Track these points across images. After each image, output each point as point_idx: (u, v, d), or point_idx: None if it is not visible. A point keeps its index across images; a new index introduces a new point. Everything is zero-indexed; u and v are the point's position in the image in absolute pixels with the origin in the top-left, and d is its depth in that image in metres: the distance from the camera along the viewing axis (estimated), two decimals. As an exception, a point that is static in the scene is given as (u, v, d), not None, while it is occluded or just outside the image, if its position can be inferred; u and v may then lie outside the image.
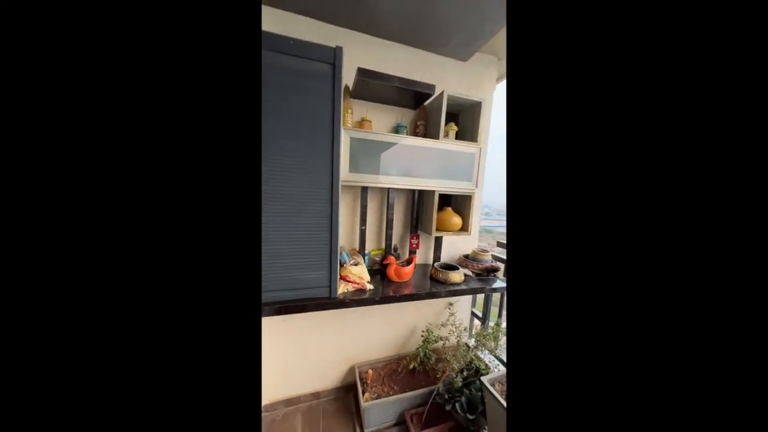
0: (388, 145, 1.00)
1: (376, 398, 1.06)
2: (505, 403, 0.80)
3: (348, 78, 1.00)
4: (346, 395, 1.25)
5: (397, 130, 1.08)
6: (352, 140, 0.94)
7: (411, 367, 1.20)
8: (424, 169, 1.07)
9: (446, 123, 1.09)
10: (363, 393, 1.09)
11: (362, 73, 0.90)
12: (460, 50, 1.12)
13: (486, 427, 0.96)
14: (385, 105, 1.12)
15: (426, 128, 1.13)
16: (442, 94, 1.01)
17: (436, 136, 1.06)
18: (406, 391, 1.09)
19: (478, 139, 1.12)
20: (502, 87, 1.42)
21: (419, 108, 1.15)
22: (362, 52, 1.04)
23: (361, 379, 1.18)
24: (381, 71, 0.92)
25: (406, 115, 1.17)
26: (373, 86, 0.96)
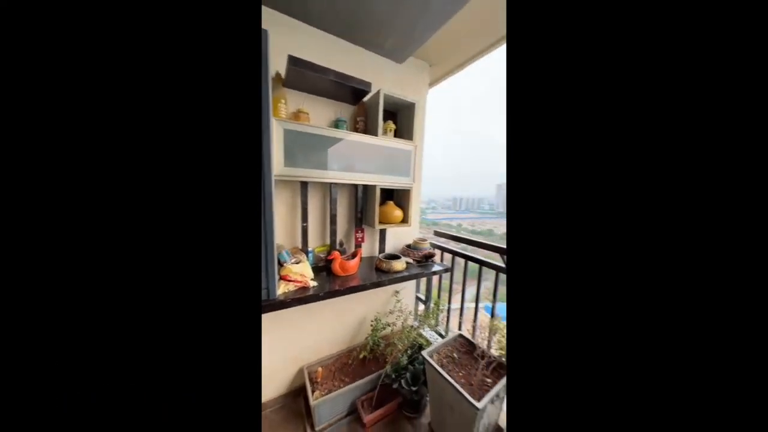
0: (328, 139, 0.99)
1: (327, 394, 1.06)
2: (440, 369, 0.92)
3: (280, 66, 0.94)
4: (294, 400, 1.20)
5: (336, 124, 1.08)
6: (287, 132, 0.89)
7: (361, 356, 1.24)
8: (366, 165, 1.10)
9: (384, 121, 1.14)
10: (313, 392, 1.07)
11: (293, 61, 0.86)
12: (396, 52, 1.18)
13: (427, 394, 1.08)
14: (323, 98, 1.10)
15: (366, 125, 1.16)
16: (379, 92, 1.05)
17: (375, 133, 1.10)
18: (356, 381, 1.12)
19: (414, 137, 1.22)
20: (433, 91, 1.57)
21: (359, 104, 1.17)
22: (298, 41, 0.99)
23: (310, 379, 1.15)
24: (317, 62, 0.89)
25: (345, 110, 1.17)
26: (308, 77, 0.92)
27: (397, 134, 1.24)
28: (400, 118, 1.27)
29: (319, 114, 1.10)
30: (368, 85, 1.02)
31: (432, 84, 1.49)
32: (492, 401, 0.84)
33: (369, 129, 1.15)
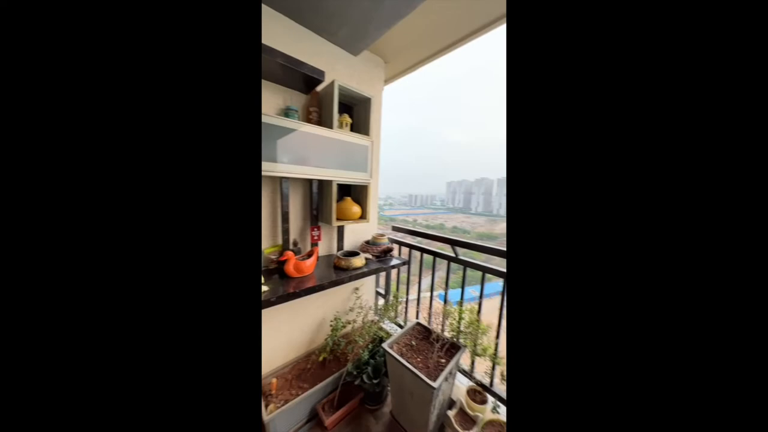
0: (277, 128, 0.90)
1: (283, 405, 0.98)
2: (399, 358, 0.96)
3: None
4: (246, 418, 1.08)
5: (286, 113, 0.99)
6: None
7: (321, 359, 1.20)
8: (321, 159, 1.04)
9: (340, 114, 1.10)
10: (266, 406, 0.98)
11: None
12: (350, 43, 1.14)
13: (389, 384, 1.11)
14: (270, 83, 0.99)
15: (320, 116, 1.10)
16: (333, 83, 1.01)
17: (330, 126, 1.05)
18: (316, 385, 1.07)
19: (371, 132, 1.21)
20: (389, 88, 1.59)
21: (311, 93, 1.09)
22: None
23: (263, 393, 1.05)
24: (262, 42, 0.79)
25: (296, 99, 1.08)
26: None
27: (354, 129, 1.22)
28: (356, 112, 1.25)
29: (266, 100, 0.99)
30: (321, 73, 0.96)
31: (387, 81, 1.51)
32: (446, 379, 0.92)
33: (323, 121, 1.09)
